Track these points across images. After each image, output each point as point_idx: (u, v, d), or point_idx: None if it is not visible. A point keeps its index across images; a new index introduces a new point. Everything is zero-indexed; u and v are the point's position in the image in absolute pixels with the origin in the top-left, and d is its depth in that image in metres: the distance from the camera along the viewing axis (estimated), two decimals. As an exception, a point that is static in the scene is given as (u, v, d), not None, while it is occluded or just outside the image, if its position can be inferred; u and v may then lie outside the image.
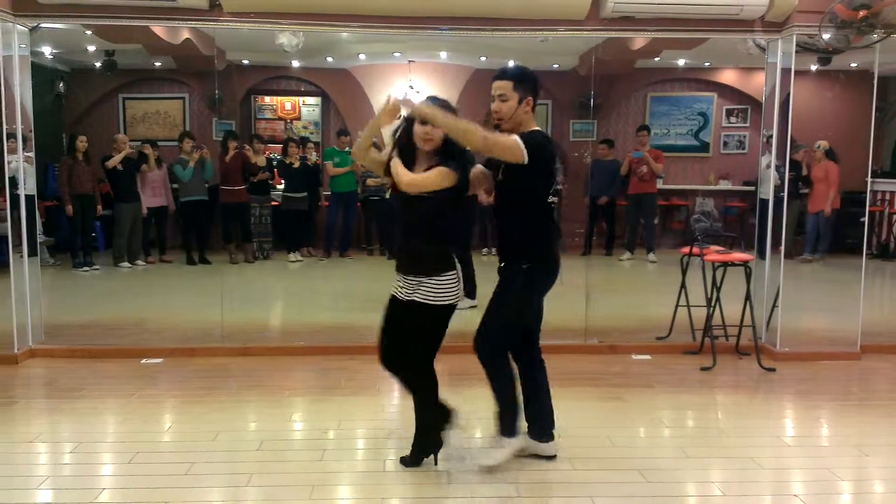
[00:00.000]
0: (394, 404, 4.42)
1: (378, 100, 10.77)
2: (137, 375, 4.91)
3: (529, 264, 3.36)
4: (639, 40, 7.32)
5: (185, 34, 7.04)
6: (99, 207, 8.82)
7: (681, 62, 10.69)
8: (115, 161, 8.65)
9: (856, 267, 5.76)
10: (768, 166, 5.68)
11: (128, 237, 8.89)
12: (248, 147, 9.50)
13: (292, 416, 4.25)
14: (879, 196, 10.47)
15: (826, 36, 5.19)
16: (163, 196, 9.33)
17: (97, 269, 8.66)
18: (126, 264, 8.86)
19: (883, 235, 10.48)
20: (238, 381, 4.84)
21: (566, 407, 4.34)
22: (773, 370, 5.13)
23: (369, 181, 9.80)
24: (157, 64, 10.13)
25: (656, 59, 9.81)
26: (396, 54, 9.91)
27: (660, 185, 10.06)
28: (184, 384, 4.76)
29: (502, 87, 3.30)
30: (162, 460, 3.56)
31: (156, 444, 3.76)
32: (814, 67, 5.77)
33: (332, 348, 5.45)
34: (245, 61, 10.33)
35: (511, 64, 10.27)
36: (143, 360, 5.20)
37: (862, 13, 5.03)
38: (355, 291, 7.84)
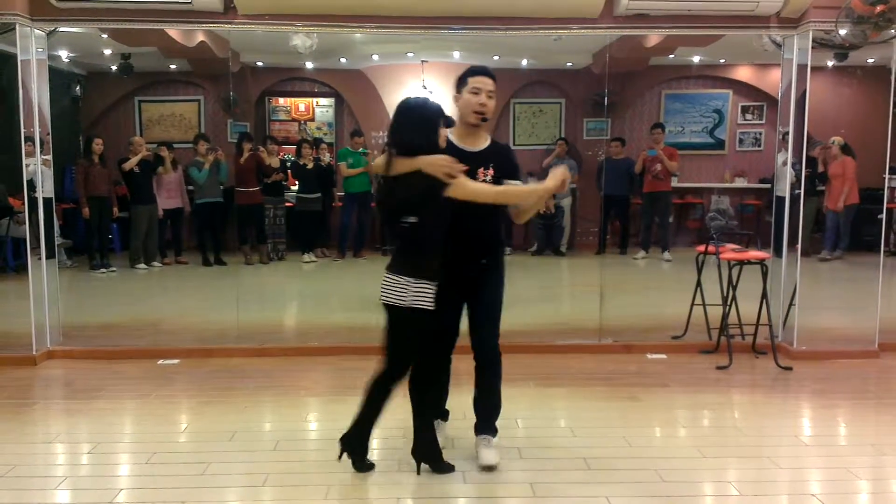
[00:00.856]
0: (408, 403, 4.42)
1: (391, 99, 10.79)
2: (154, 376, 4.96)
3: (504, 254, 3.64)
4: (653, 38, 7.29)
5: (200, 37, 7.09)
6: (115, 210, 8.89)
7: (695, 59, 10.62)
8: (131, 163, 8.72)
9: (874, 264, 5.70)
10: (784, 163, 5.63)
11: (144, 239, 8.96)
12: (262, 149, 9.55)
13: (308, 417, 4.28)
14: (898, 192, 10.36)
15: (843, 31, 5.14)
16: (178, 198, 9.39)
17: (114, 270, 8.73)
18: (142, 266, 8.93)
19: (902, 232, 10.36)
20: (254, 382, 4.86)
21: (581, 407, 4.36)
22: (789, 369, 5.09)
23: (384, 181, 9.80)
24: (173, 66, 10.20)
25: (671, 56, 9.76)
26: (409, 54, 9.92)
27: (674, 183, 10.00)
28: (200, 385, 4.80)
29: (493, 85, 3.37)
30: (178, 461, 3.58)
31: (172, 445, 3.79)
32: (830, 63, 5.73)
33: (347, 348, 5.47)
34: (259, 63, 10.39)
35: (524, 63, 10.29)
36: (160, 361, 5.24)
37: (879, 8, 4.98)
38: (370, 292, 7.79)
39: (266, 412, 4.31)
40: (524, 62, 10.39)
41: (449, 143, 3.35)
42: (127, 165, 8.72)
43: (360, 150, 9.83)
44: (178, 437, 3.94)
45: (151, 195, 9.02)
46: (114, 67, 9.65)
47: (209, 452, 3.64)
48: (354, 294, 7.81)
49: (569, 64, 10.46)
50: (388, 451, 3.67)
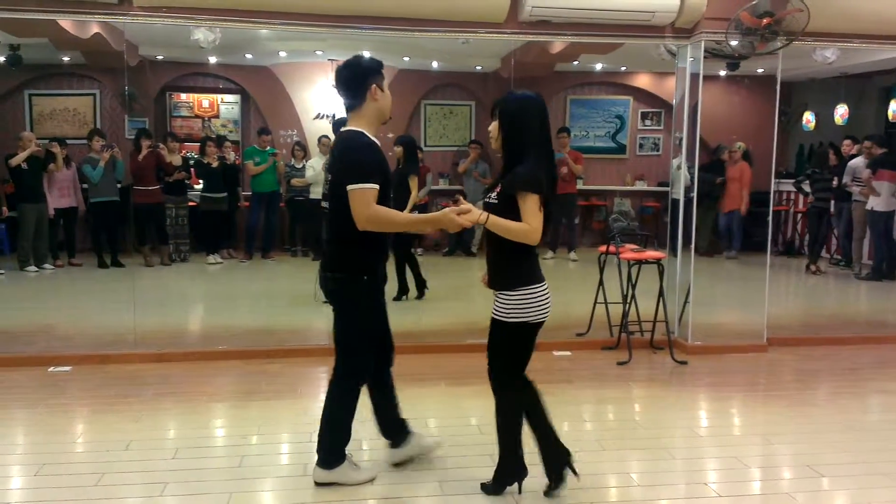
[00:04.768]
0: (316, 407, 4.36)
1: (300, 98, 10.64)
2: (44, 384, 4.70)
3: None
4: (557, 44, 7.47)
5: (95, 28, 6.75)
6: (4, 209, 8.38)
7: (598, 66, 10.96)
8: (18, 159, 8.23)
9: (762, 264, 6.03)
10: (679, 167, 5.88)
11: (34, 240, 8.48)
12: (162, 146, 9.21)
13: (210, 423, 4.15)
14: (784, 196, 11.01)
15: (732, 42, 5.42)
16: (71, 196, 8.95)
17: (2, 273, 8.23)
18: (32, 268, 8.44)
19: (788, 233, 11.02)
20: (153, 388, 4.68)
21: (490, 405, 4.39)
22: (685, 363, 5.33)
23: (294, 181, 9.65)
24: (66, 59, 9.70)
25: (575, 62, 10.03)
26: (318, 52, 9.80)
27: (580, 185, 10.29)
28: (94, 392, 4.57)
29: None
30: (70, 472, 3.41)
31: (64, 455, 3.60)
32: (722, 72, 6.01)
33: (253, 352, 5.35)
34: (159, 57, 10.00)
35: (434, 65, 10.32)
36: (51, 369, 4.97)
37: (766, 21, 5.28)
38: (278, 293, 7.71)
39: (165, 419, 4.15)
40: (434, 64, 10.43)
41: (373, 141, 3.14)
42: (14, 161, 8.23)
43: (268, 148, 9.64)
44: (70, 447, 3.74)
45: (40, 193, 8.53)
46: (1, 59, 9.09)
47: (103, 462, 3.48)
48: (262, 296, 7.65)
49: (478, 67, 10.59)
50: (294, 456, 3.62)
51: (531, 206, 2.93)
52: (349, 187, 2.99)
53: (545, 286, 3.08)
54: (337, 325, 3.21)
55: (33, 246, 8.49)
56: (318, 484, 3.25)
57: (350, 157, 3.06)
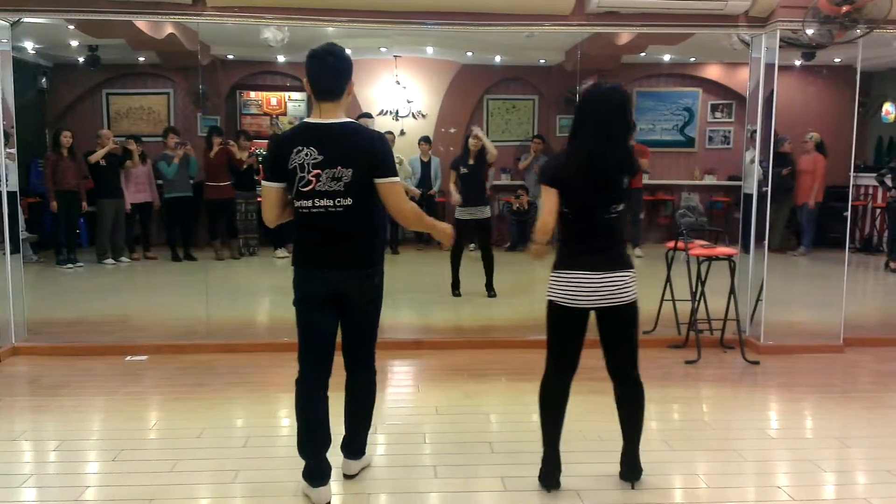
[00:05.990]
0: (379, 401, 4.41)
1: (365, 95, 10.76)
2: (122, 373, 4.89)
3: None
4: (624, 35, 7.33)
5: (169, 29, 6.97)
6: (84, 204, 8.75)
7: (666, 57, 10.71)
8: (97, 156, 8.59)
9: (839, 261, 5.80)
10: (752, 161, 5.71)
11: (111, 233, 8.84)
12: (231, 142, 9.45)
13: (278, 413, 4.24)
14: (862, 190, 10.57)
15: (809, 31, 5.22)
16: (147, 192, 9.28)
17: (81, 265, 8.60)
18: (110, 261, 8.80)
19: (866, 229, 10.57)
20: (224, 378, 4.82)
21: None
22: (756, 363, 5.17)
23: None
24: (141, 59, 10.05)
25: (642, 54, 9.83)
26: (382, 49, 9.88)
27: (646, 180, 10.09)
28: (168, 381, 4.74)
29: None
30: (146, 457, 3.54)
31: (140, 442, 3.74)
32: (798, 62, 5.80)
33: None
34: (230, 56, 10.27)
35: (497, 59, 10.22)
36: (128, 358, 5.17)
37: (845, 8, 5.07)
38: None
39: (236, 408, 4.28)
40: (497, 58, 10.39)
41: None
42: (93, 158, 8.59)
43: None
44: (146, 433, 3.89)
45: (118, 189, 8.89)
46: (81, 59, 9.49)
47: (177, 449, 3.60)
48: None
49: (542, 61, 10.50)
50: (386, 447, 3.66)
51: (543, 197, 3.10)
52: (392, 180, 2.96)
53: (573, 274, 3.12)
54: (371, 319, 3.17)
55: (111, 239, 8.86)
56: (348, 476, 3.28)
57: (383, 149, 2.99)
